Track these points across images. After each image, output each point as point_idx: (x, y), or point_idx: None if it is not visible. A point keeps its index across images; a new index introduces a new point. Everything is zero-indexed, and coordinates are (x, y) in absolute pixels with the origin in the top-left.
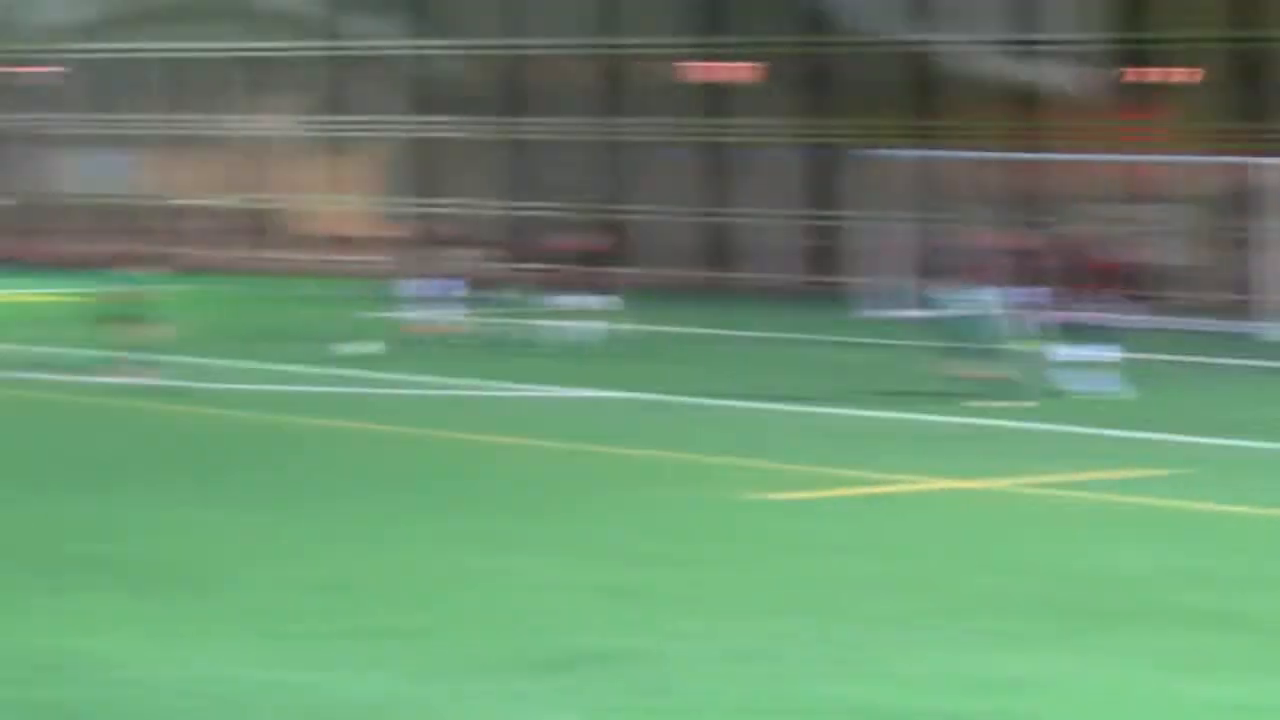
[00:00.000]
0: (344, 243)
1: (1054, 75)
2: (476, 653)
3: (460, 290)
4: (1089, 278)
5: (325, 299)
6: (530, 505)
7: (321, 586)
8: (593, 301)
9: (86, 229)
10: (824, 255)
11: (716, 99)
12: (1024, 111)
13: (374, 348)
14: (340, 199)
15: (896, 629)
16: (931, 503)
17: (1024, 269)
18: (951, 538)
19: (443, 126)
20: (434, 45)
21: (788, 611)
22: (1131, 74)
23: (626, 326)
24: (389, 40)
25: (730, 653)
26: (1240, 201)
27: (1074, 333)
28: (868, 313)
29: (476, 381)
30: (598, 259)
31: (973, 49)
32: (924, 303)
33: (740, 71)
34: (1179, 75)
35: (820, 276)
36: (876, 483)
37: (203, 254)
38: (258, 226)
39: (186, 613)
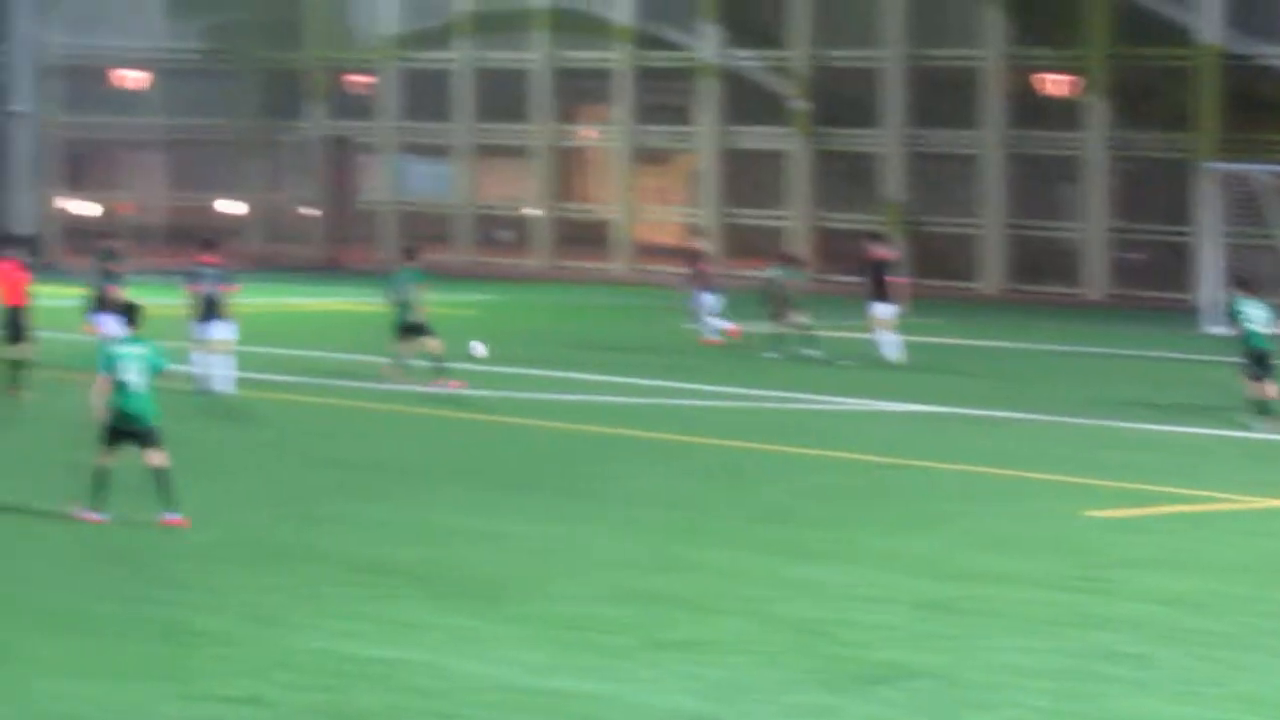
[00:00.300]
0: (658, 252)
1: None
2: (786, 666)
3: (761, 299)
4: None
5: (632, 309)
6: (842, 517)
7: (629, 598)
8: (892, 312)
9: (406, 236)
10: (1159, 270)
11: (1033, 111)
12: None
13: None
14: (653, 209)
15: (1226, 649)
16: (1262, 521)
17: None
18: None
19: (754, 137)
20: (747, 56)
21: (1114, 628)
22: None
23: (941, 339)
24: (702, 50)
25: (1046, 671)
26: None
27: None
28: (1208, 328)
29: (779, 392)
30: (899, 270)
31: None
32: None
33: (1059, 84)
34: None
35: (1157, 292)
36: (1205, 500)
37: (513, 262)
38: (572, 236)
39: (495, 623)
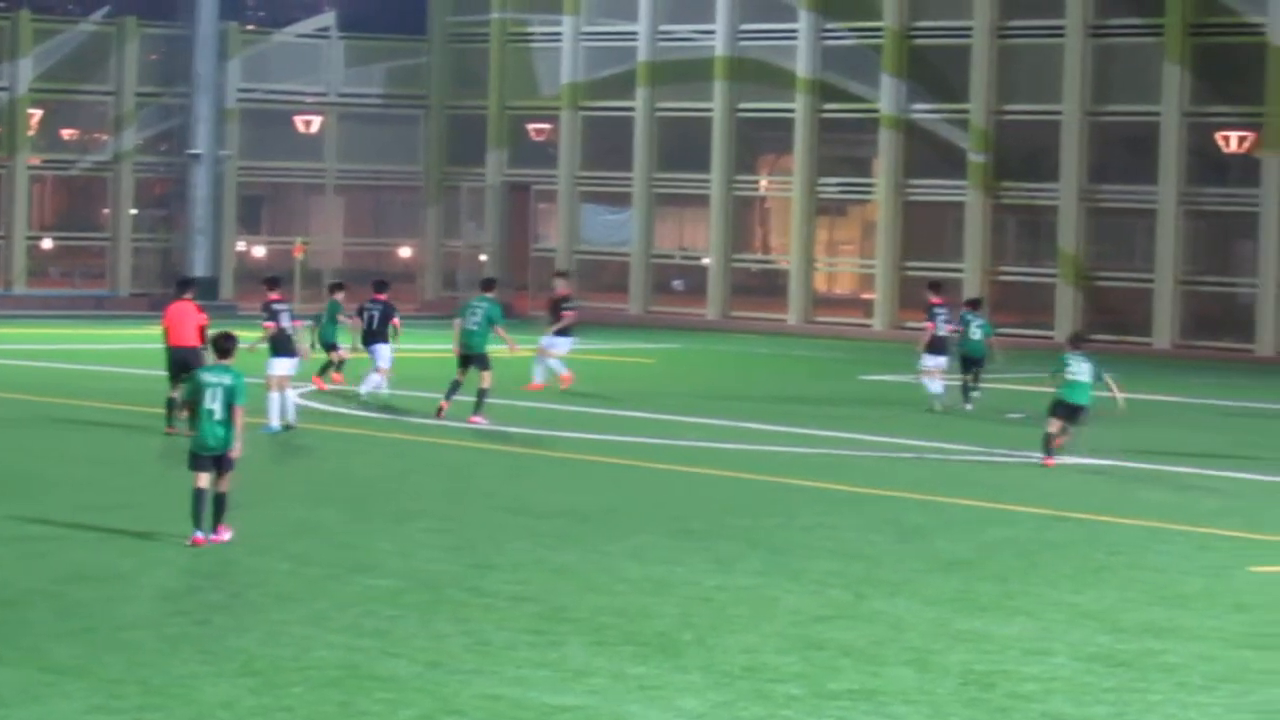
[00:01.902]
0: (833, 303)
1: None
2: (951, 716)
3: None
4: None
5: (807, 359)
6: (1012, 570)
7: (798, 647)
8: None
9: (580, 284)
10: None
11: (1211, 166)
12: None
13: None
14: (833, 260)
15: None
16: None
17: None
18: None
19: (928, 190)
20: (927, 109)
21: (1277, 685)
22: None
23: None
24: (878, 102)
25: None
26: None
27: None
28: None
29: (953, 445)
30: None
31: None
32: None
33: (1237, 140)
34: None
35: None
36: None
37: (688, 311)
38: (748, 286)
39: (665, 670)
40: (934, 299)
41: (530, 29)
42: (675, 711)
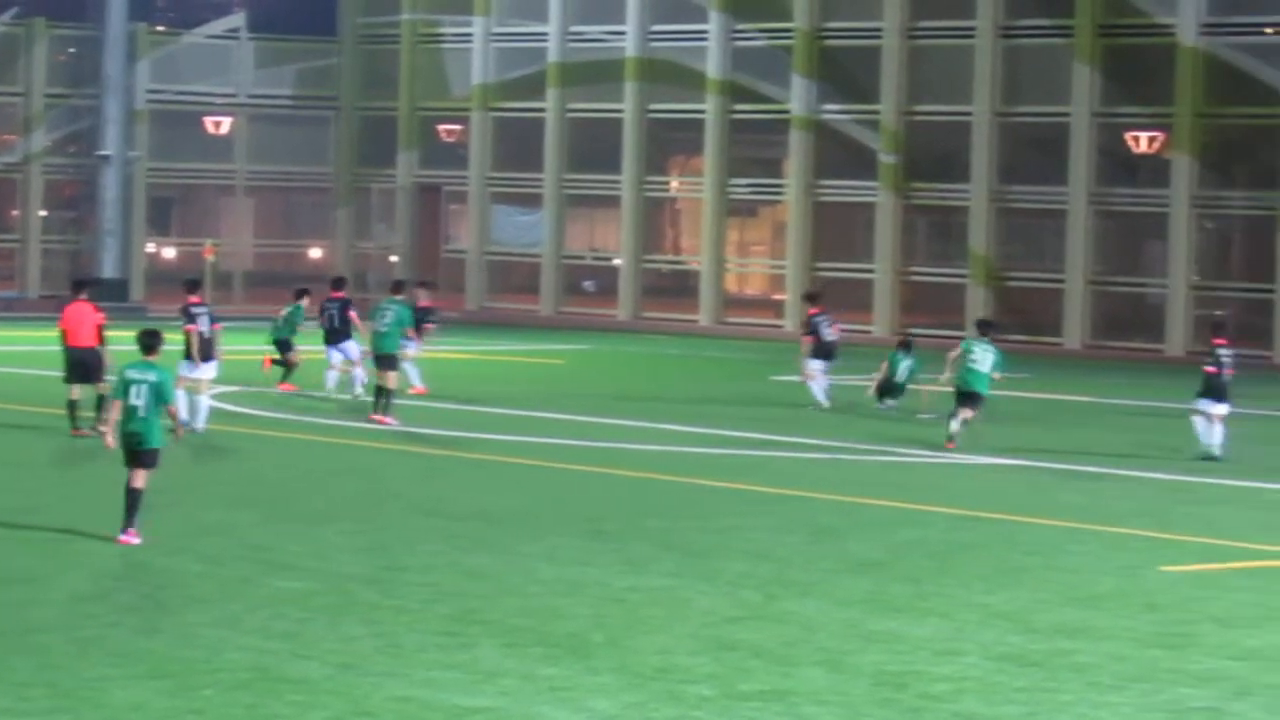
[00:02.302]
0: (744, 304)
1: None
2: (863, 716)
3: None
4: None
5: (718, 360)
6: (924, 570)
7: (710, 648)
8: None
9: (490, 285)
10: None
11: (1121, 167)
12: None
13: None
14: (744, 260)
15: None
16: None
17: None
18: None
19: (839, 190)
20: (837, 110)
21: (1190, 684)
22: None
23: (1026, 393)
24: (789, 103)
25: None
26: None
27: None
28: None
29: (865, 445)
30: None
31: None
32: None
33: (1147, 140)
34: None
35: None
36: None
37: (599, 312)
38: (658, 287)
39: (576, 672)
40: (811, 309)
41: (441, 30)
42: (587, 713)
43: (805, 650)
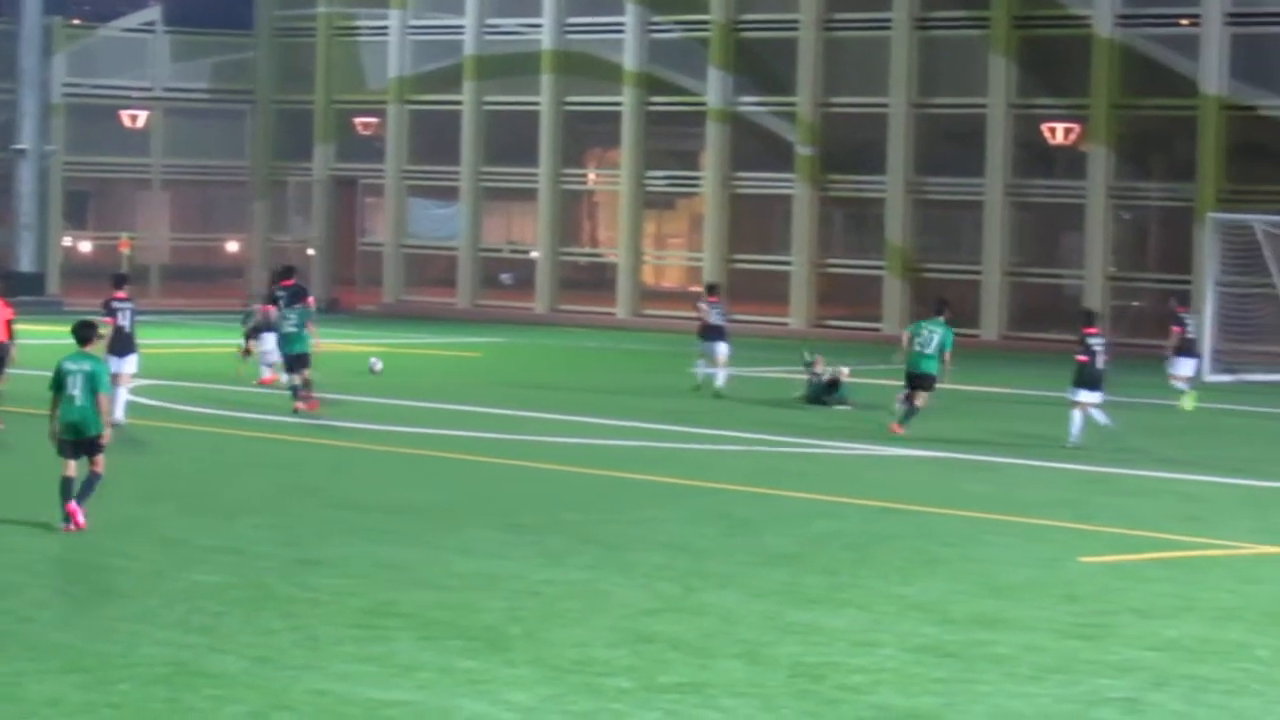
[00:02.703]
0: (661, 296)
1: None
2: (781, 709)
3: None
4: None
5: (636, 353)
6: (842, 562)
7: (628, 640)
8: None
9: (407, 278)
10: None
11: (1037, 159)
12: None
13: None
14: (661, 253)
15: (1218, 694)
16: (1255, 567)
17: None
18: (1275, 602)
19: (756, 182)
20: (754, 102)
21: (1107, 674)
22: None
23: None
24: (706, 95)
25: (1037, 715)
26: None
27: None
28: (1208, 377)
29: (781, 437)
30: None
31: None
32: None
33: (1063, 132)
34: None
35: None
36: (1199, 546)
37: (516, 305)
38: (576, 279)
39: (494, 665)
40: (710, 297)
41: (357, 23)
42: (504, 705)
43: (723, 642)
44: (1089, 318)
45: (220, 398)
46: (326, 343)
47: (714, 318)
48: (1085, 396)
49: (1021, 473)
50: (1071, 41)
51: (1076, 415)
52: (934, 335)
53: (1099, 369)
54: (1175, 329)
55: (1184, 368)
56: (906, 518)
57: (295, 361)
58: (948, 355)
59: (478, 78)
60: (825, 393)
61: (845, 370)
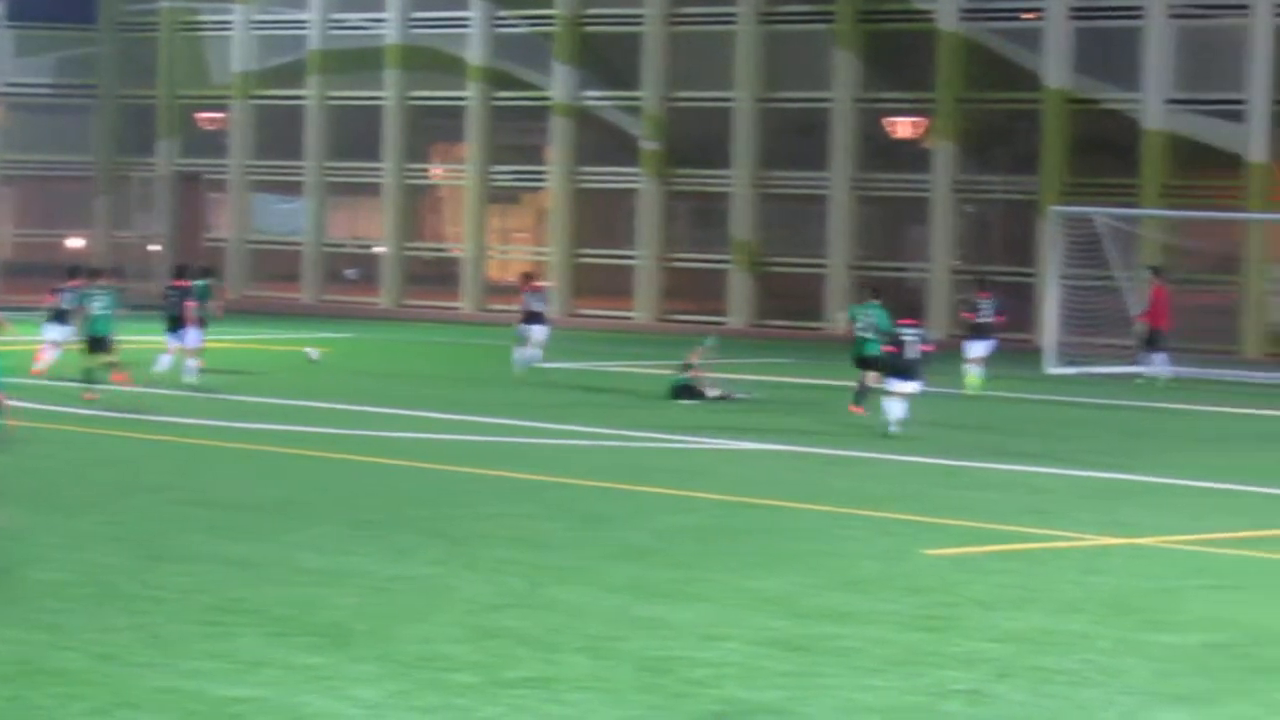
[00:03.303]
0: (507, 291)
1: (1227, 133)
2: (628, 703)
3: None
4: None
5: (482, 348)
6: (690, 556)
7: (475, 636)
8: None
9: (252, 273)
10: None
11: (882, 153)
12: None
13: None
14: (506, 248)
15: (1061, 685)
16: (1097, 558)
17: None
18: (1117, 593)
19: (602, 177)
20: (599, 96)
21: (952, 666)
22: None
23: (790, 379)
24: (554, 90)
25: (883, 708)
26: None
27: None
28: (1051, 369)
29: (632, 432)
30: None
31: (1144, 105)
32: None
33: (908, 126)
34: None
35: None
36: (1042, 539)
37: (361, 300)
38: (421, 274)
39: (342, 661)
40: (534, 285)
41: (201, 18)
42: (350, 701)
43: (569, 637)
44: (906, 310)
45: (65, 394)
46: (155, 341)
47: (534, 304)
48: (898, 386)
49: (872, 466)
50: (916, 36)
51: (890, 403)
52: (870, 318)
53: (910, 358)
54: (966, 314)
55: (975, 350)
56: (757, 512)
57: (97, 344)
58: (883, 335)
59: (322, 72)
60: (687, 393)
61: (716, 391)
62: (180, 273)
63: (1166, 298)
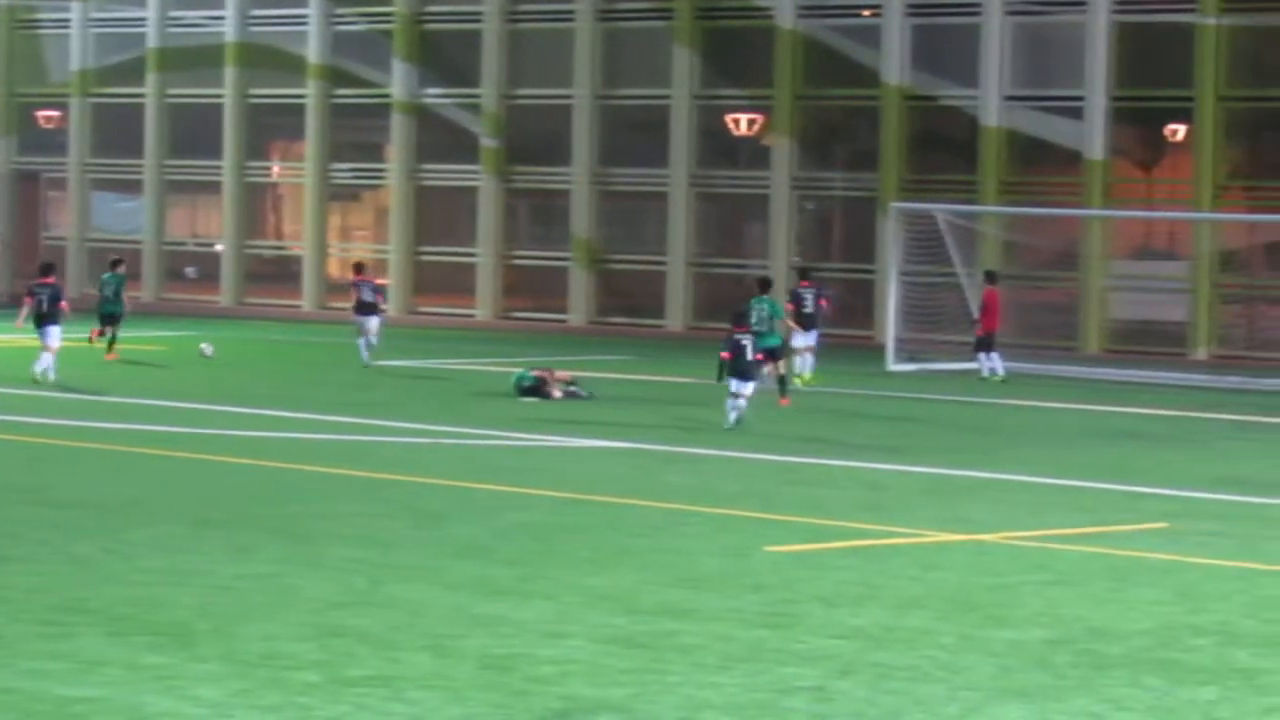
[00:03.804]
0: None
1: (1065, 130)
2: (470, 701)
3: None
4: None
5: (323, 346)
6: (531, 554)
7: (316, 634)
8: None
9: (91, 272)
10: (845, 308)
11: (721, 150)
12: (1031, 166)
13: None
14: (346, 245)
15: (902, 681)
16: (938, 555)
17: None
18: (958, 590)
19: (442, 175)
20: (438, 94)
21: (795, 663)
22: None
23: (630, 375)
24: (393, 88)
25: (726, 705)
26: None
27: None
28: (892, 365)
29: (472, 429)
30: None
31: (982, 102)
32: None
33: (747, 123)
34: (1184, 132)
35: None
36: (883, 535)
37: (201, 299)
38: (261, 272)
39: (184, 660)
40: (364, 275)
41: (38, 15)
42: (193, 701)
43: (411, 635)
44: (738, 317)
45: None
46: (2, 338)
47: (366, 294)
48: (742, 388)
49: (712, 463)
50: (754, 33)
51: (731, 403)
52: (764, 310)
53: (748, 361)
54: (789, 305)
55: (802, 341)
56: (597, 509)
57: None
58: (780, 323)
59: (161, 70)
60: (533, 392)
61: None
62: (47, 270)
63: (998, 301)
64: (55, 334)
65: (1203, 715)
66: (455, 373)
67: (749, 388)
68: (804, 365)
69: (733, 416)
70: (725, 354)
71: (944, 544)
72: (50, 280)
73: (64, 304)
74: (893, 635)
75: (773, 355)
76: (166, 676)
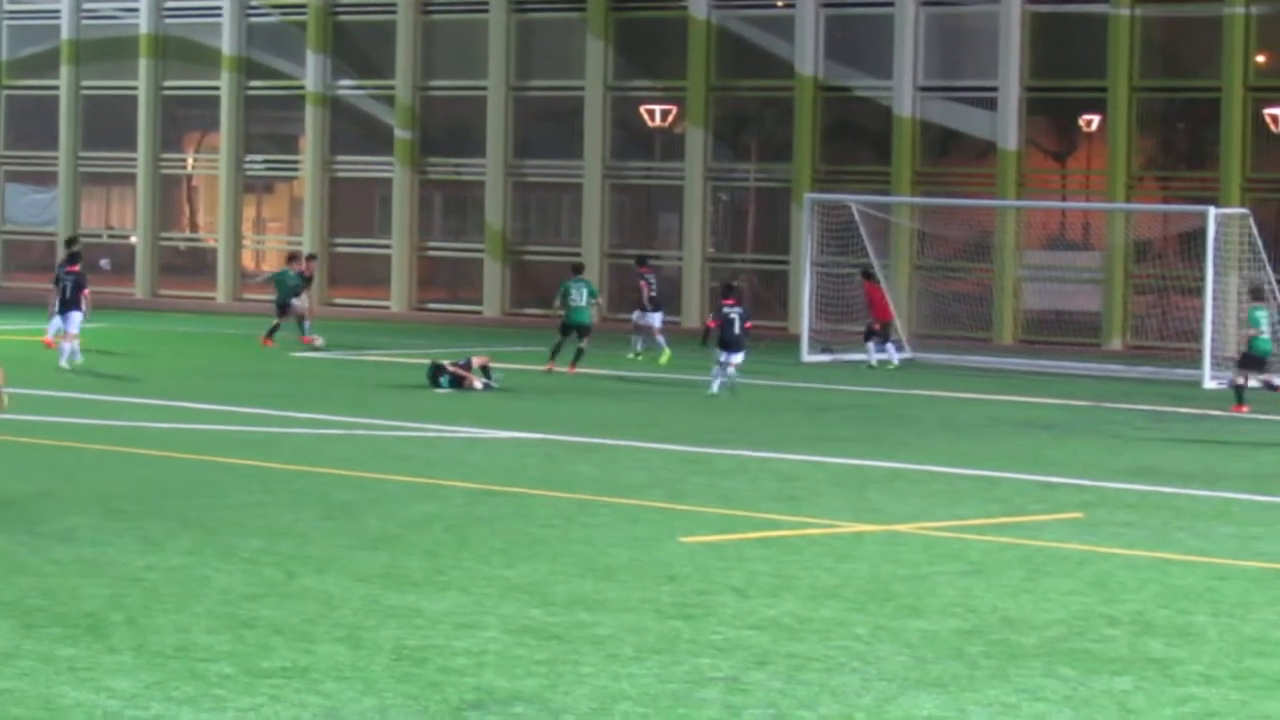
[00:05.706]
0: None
1: (979, 121)
2: (383, 692)
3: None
4: None
5: (235, 337)
6: (442, 545)
7: (229, 625)
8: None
9: (4, 264)
10: (758, 299)
11: (635, 141)
12: (945, 157)
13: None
14: (261, 237)
15: (815, 672)
16: (850, 545)
17: None
18: (872, 580)
19: (355, 166)
20: (352, 85)
21: (708, 653)
22: (1054, 121)
23: (538, 366)
24: (307, 79)
25: (640, 696)
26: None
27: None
28: (806, 356)
29: (383, 420)
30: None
31: (896, 93)
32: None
33: (657, 113)
34: (1098, 122)
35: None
36: (796, 525)
37: (115, 290)
38: (174, 264)
39: (96, 652)
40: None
41: None
42: (107, 692)
43: (325, 626)
44: (728, 290)
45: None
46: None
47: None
48: (724, 357)
49: (622, 453)
50: (667, 24)
51: (717, 371)
52: (581, 290)
53: (735, 334)
54: (643, 285)
55: (652, 321)
56: (507, 499)
57: None
58: (596, 303)
59: (75, 62)
60: (454, 383)
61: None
62: (73, 259)
63: (881, 295)
64: (76, 320)
65: (1117, 705)
66: (368, 364)
67: (737, 358)
68: (659, 344)
69: (716, 385)
70: (710, 322)
71: (858, 534)
72: (75, 269)
73: (86, 291)
74: (807, 626)
75: (584, 333)
76: (80, 668)
